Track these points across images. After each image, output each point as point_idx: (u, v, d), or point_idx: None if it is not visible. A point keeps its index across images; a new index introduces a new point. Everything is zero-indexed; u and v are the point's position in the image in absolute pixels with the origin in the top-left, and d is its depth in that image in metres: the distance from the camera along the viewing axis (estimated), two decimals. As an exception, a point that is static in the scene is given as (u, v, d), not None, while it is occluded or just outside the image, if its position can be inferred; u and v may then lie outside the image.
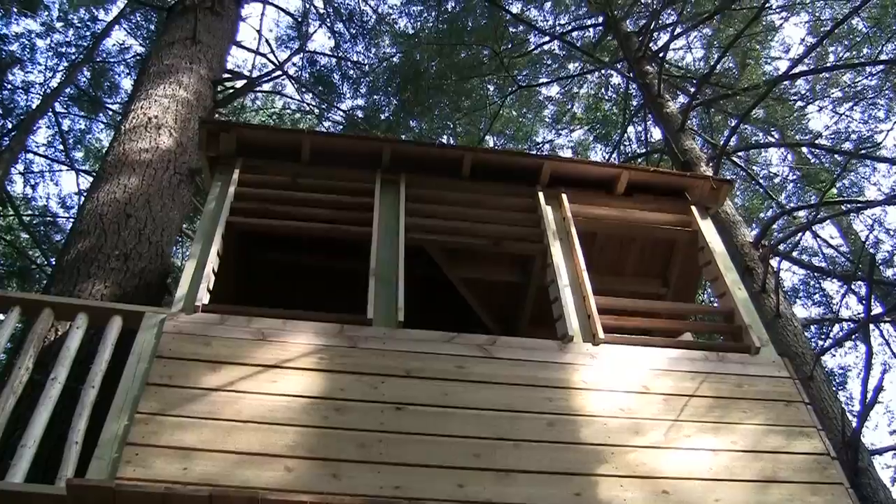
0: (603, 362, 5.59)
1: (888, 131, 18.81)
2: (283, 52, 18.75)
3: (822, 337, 15.31)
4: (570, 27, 18.62)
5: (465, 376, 5.27)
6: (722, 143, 12.67)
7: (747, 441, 5.21)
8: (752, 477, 4.99)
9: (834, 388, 10.72)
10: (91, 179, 13.78)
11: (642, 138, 17.63)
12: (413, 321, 5.67)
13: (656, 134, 16.46)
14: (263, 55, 16.89)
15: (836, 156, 16.96)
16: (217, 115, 12.38)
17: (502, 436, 4.90)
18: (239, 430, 4.62)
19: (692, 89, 15.37)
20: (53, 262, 14.06)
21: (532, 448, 4.88)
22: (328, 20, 18.89)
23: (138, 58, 17.72)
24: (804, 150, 17.77)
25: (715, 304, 7.50)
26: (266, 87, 17.77)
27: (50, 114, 16.62)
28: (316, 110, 19.03)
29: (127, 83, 18.30)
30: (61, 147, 17.75)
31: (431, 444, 4.78)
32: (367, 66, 19.00)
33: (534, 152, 18.32)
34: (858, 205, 14.81)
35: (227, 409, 4.74)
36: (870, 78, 16.49)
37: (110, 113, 18.24)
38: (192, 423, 4.62)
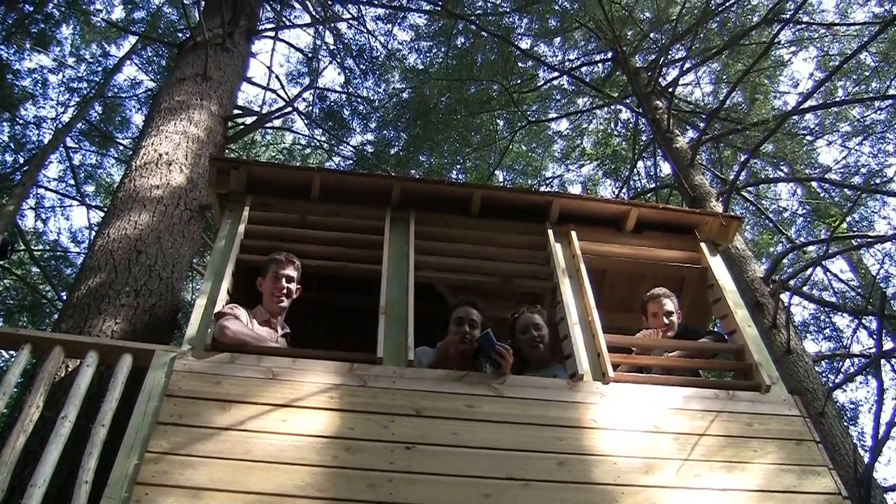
0: (613, 401, 5.54)
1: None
2: (293, 88, 18.95)
3: (834, 372, 15.26)
4: (579, 63, 18.72)
5: (475, 415, 5.23)
6: (731, 178, 12.69)
7: (758, 481, 5.15)
8: (763, 517, 4.95)
9: (845, 424, 10.67)
10: (102, 214, 13.92)
11: (652, 173, 17.70)
12: (423, 359, 5.66)
13: (666, 169, 16.53)
14: (273, 91, 17.07)
15: (845, 190, 16.99)
16: (227, 151, 12.44)
17: (512, 475, 4.86)
18: (249, 470, 4.60)
19: (701, 124, 15.44)
20: (64, 297, 14.12)
21: (542, 488, 4.83)
22: (338, 56, 19.05)
23: (149, 93, 17.88)
24: (814, 184, 17.79)
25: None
26: (276, 122, 17.89)
27: (61, 149, 16.77)
28: (326, 146, 19.14)
29: (138, 118, 18.50)
30: (72, 182, 17.91)
31: (441, 483, 4.74)
32: (376, 102, 19.16)
33: (543, 189, 18.40)
34: (869, 239, 14.81)
35: (238, 448, 4.72)
36: (879, 112, 16.54)
37: (121, 148, 18.40)
38: (203, 463, 4.60)
